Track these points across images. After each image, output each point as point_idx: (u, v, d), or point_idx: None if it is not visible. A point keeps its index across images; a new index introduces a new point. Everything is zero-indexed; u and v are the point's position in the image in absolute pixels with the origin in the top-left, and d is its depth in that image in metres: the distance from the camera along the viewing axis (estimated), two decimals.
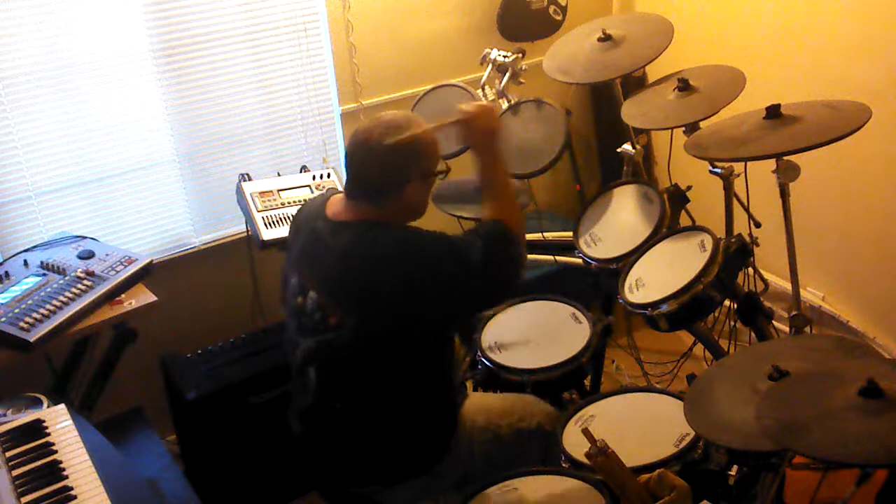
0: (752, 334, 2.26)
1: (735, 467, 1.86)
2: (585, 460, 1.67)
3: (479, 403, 2.15)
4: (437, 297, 1.83)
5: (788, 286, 2.20)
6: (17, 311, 2.18)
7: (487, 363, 2.30)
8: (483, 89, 2.68)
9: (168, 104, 2.78)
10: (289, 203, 2.73)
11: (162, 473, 2.16)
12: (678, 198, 2.41)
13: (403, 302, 1.81)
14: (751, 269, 2.32)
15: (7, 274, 2.34)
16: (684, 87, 2.26)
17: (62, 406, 1.88)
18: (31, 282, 2.30)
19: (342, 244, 1.85)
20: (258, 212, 2.68)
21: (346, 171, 1.90)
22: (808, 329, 2.22)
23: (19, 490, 1.61)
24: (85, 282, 2.30)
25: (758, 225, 2.36)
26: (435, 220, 2.69)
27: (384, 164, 1.84)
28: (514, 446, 2.07)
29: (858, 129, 1.84)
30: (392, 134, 1.82)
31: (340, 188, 2.83)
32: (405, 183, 1.85)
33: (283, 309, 2.03)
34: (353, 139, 1.87)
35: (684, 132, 2.26)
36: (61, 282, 2.30)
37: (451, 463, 2.00)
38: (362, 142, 1.85)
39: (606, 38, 2.45)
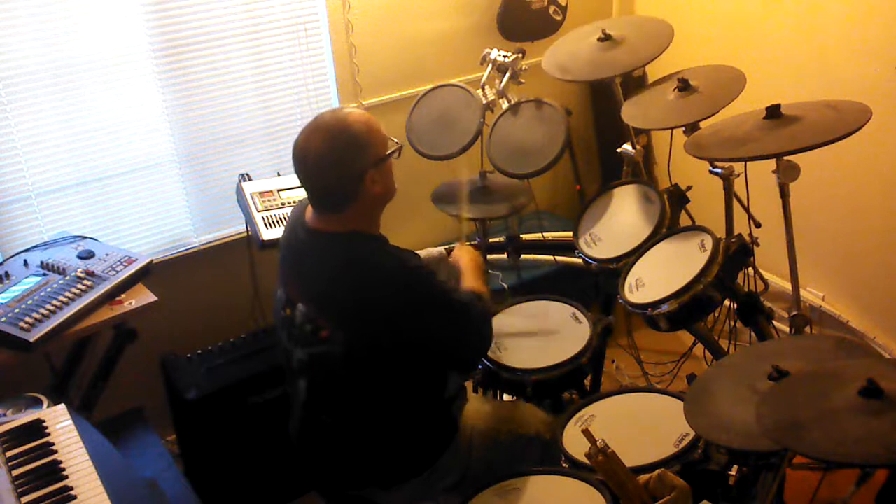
0: (752, 334, 2.26)
1: (735, 467, 1.86)
2: (585, 460, 1.67)
3: (478, 408, 2.15)
4: (425, 320, 1.85)
5: (788, 286, 2.20)
6: (17, 311, 2.18)
7: (487, 363, 2.30)
8: (483, 89, 2.67)
9: (168, 104, 2.78)
10: (289, 203, 2.73)
11: (162, 473, 2.16)
12: (678, 198, 2.41)
13: (391, 321, 1.82)
14: (751, 269, 2.32)
15: (7, 274, 2.34)
16: (684, 87, 2.26)
17: (62, 406, 1.88)
18: (31, 282, 2.30)
19: (332, 259, 1.84)
20: (258, 212, 2.68)
21: (304, 186, 1.88)
22: (808, 329, 2.22)
23: (19, 490, 1.61)
24: (85, 282, 2.30)
25: (758, 225, 2.35)
26: (436, 220, 2.71)
27: (335, 169, 1.81)
28: (512, 451, 2.07)
29: (858, 129, 1.83)
30: (328, 139, 1.80)
31: None
32: (362, 178, 1.82)
33: (273, 319, 2.04)
34: (296, 156, 1.85)
35: (684, 132, 2.26)
36: (61, 282, 2.30)
37: (449, 466, 2.01)
38: (303, 157, 1.83)
39: (606, 37, 2.45)
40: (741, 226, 2.31)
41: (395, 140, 1.91)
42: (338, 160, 1.80)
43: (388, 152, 1.88)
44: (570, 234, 2.51)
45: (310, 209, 1.93)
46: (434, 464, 1.98)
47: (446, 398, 2.05)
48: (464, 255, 2.19)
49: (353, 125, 1.81)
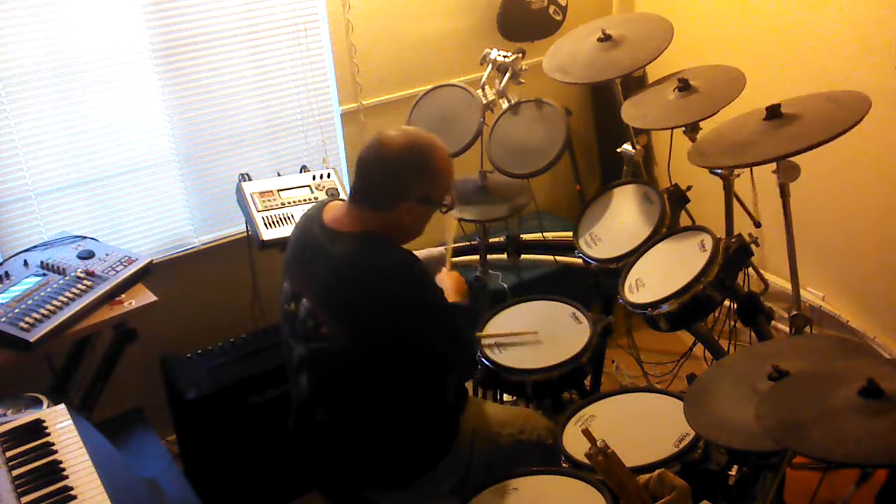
0: (752, 334, 2.26)
1: (735, 467, 1.86)
2: (585, 460, 1.67)
3: (480, 412, 2.15)
4: (422, 322, 1.85)
5: (788, 286, 2.20)
6: (17, 311, 2.18)
7: (487, 363, 2.30)
8: (483, 89, 2.67)
9: (168, 104, 2.78)
10: (289, 203, 2.73)
11: (162, 473, 2.16)
12: (678, 198, 2.41)
13: (392, 321, 1.82)
14: (751, 269, 2.32)
15: (7, 274, 2.34)
16: (684, 87, 2.26)
17: (62, 406, 1.88)
18: (31, 282, 2.30)
19: (340, 255, 1.85)
20: (258, 212, 2.68)
21: (356, 174, 1.89)
22: (808, 329, 2.22)
23: (19, 490, 1.61)
24: (85, 282, 2.30)
25: (758, 225, 2.36)
26: (435, 220, 2.70)
27: (391, 169, 1.83)
28: (513, 455, 2.07)
29: (859, 121, 1.83)
30: (411, 147, 1.83)
31: (340, 188, 2.83)
32: (401, 198, 1.84)
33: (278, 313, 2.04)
34: (373, 142, 1.87)
35: (684, 132, 2.26)
36: (61, 282, 2.30)
37: (449, 468, 2.00)
38: (380, 144, 1.85)
39: (606, 38, 2.45)
40: (741, 226, 2.31)
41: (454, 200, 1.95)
42: (401, 169, 1.83)
43: (441, 201, 1.89)
44: (570, 234, 2.51)
45: (329, 208, 1.94)
46: (435, 466, 1.98)
47: (446, 398, 2.05)
48: (446, 282, 2.20)
49: (439, 152, 1.86)
